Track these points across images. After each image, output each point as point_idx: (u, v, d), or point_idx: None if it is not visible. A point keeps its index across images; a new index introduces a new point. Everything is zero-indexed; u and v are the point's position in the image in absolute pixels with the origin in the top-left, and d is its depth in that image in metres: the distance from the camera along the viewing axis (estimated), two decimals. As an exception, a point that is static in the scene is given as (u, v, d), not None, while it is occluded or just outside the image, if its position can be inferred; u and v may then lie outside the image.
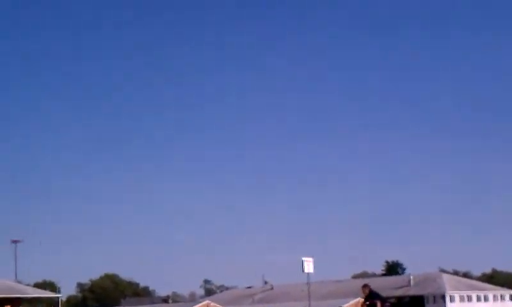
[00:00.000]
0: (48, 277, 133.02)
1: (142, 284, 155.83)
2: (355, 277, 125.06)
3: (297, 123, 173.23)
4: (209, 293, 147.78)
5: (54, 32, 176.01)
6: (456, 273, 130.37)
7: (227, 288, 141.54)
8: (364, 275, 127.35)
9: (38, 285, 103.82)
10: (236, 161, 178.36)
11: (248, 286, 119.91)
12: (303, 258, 58.71)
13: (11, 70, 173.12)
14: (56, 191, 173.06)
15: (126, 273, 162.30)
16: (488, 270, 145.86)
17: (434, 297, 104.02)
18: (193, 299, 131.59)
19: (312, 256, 59.96)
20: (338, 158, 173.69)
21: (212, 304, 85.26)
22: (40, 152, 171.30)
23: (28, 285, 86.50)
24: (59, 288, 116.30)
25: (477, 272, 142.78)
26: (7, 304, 61.55)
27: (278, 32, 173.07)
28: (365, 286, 25.77)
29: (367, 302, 25.68)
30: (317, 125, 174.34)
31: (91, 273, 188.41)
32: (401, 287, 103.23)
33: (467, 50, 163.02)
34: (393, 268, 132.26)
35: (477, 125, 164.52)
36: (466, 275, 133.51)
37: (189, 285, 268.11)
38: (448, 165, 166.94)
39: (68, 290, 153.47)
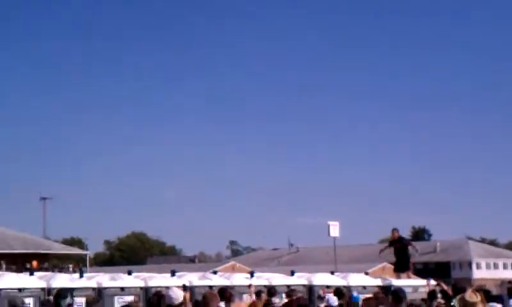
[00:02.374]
0: (76, 234, 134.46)
1: (169, 243, 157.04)
2: (382, 242, 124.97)
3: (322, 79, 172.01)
4: (235, 254, 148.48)
5: None
6: (482, 240, 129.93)
7: (253, 250, 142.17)
8: (388, 244, 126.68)
9: (65, 242, 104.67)
10: (263, 127, 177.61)
11: (274, 248, 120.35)
12: (329, 222, 58.55)
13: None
14: (82, 149, 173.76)
15: (153, 232, 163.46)
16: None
17: (460, 263, 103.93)
18: (220, 259, 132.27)
19: (339, 220, 59.81)
20: (365, 123, 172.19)
21: (238, 264, 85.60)
22: (67, 113, 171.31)
23: (56, 241, 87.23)
24: (86, 245, 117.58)
25: (504, 240, 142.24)
26: (35, 259, 62.10)
27: None
28: (395, 229, 25.85)
29: (397, 244, 25.69)
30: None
31: (118, 231, 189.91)
32: (427, 253, 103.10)
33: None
34: (419, 234, 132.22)
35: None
36: (492, 242, 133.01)
37: (216, 246, 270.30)
38: (472, 131, 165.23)
39: (95, 247, 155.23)
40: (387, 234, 27.27)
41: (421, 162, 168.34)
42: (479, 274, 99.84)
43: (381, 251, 28.57)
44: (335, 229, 57.99)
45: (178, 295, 10.67)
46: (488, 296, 15.69)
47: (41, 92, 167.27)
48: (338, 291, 17.08)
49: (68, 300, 11.90)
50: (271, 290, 18.12)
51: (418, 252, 41.36)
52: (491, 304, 14.70)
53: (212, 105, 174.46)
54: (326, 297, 17.38)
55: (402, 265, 25.61)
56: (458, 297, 10.95)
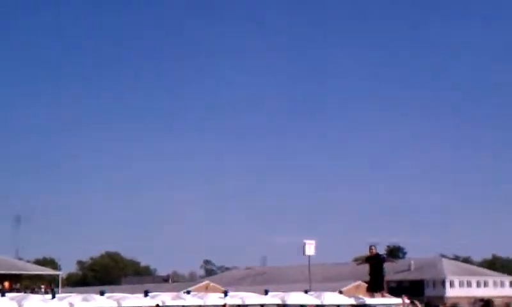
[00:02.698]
0: (49, 255, 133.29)
1: (143, 263, 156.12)
2: (356, 260, 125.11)
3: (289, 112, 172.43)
4: (209, 273, 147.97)
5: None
6: (456, 258, 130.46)
7: (227, 269, 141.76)
8: (364, 259, 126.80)
9: (38, 262, 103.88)
10: (239, 145, 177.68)
11: (248, 267, 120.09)
12: (305, 240, 58.63)
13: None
14: (56, 169, 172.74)
15: (127, 251, 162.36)
16: (488, 256, 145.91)
17: (434, 282, 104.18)
18: (193, 278, 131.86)
19: (314, 239, 59.89)
20: (341, 143, 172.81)
21: (212, 284, 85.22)
22: (40, 131, 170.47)
23: (28, 262, 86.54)
24: (59, 265, 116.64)
25: (478, 258, 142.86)
26: (7, 280, 61.57)
27: None
28: (372, 245, 25.80)
29: (373, 260, 25.63)
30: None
31: (91, 251, 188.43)
32: (402, 271, 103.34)
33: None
34: (394, 253, 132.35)
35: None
36: (466, 260, 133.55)
37: (190, 265, 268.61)
38: (449, 151, 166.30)
39: (68, 268, 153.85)
40: (361, 252, 27.16)
41: (396, 180, 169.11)
42: (453, 292, 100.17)
43: (358, 264, 28.51)
44: (310, 248, 58.13)
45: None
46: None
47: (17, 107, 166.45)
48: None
49: None
50: None
51: (397, 263, 41.31)
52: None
53: (177, 124, 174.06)
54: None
55: (375, 285, 25.55)
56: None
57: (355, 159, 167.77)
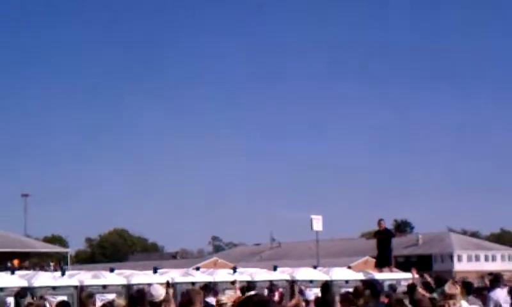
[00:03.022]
0: (57, 232, 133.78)
1: (151, 240, 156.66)
2: (364, 235, 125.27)
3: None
4: (217, 249, 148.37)
5: None
6: (464, 232, 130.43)
7: (235, 245, 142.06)
8: (373, 234, 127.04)
9: (46, 240, 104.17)
10: (242, 122, 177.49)
11: (256, 243, 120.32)
12: (312, 216, 58.48)
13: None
14: (65, 147, 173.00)
15: (135, 228, 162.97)
16: (496, 230, 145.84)
17: (442, 256, 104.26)
18: (201, 255, 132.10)
19: (321, 214, 59.79)
20: (348, 114, 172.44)
21: (220, 260, 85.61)
22: (51, 109, 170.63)
23: (37, 239, 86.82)
24: (67, 242, 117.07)
25: (486, 232, 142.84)
26: (16, 258, 61.79)
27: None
28: (381, 220, 25.88)
29: (381, 235, 25.73)
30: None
31: (100, 228, 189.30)
32: (409, 246, 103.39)
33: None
34: (401, 227, 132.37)
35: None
36: (474, 234, 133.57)
37: (198, 242, 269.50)
38: (455, 124, 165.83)
39: (76, 245, 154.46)
40: (369, 228, 27.27)
41: (403, 154, 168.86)
42: (461, 266, 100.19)
43: (367, 238, 28.71)
44: (317, 223, 57.91)
45: (160, 292, 10.62)
46: (468, 288, 15.74)
47: (23, 88, 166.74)
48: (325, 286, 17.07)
49: (28, 299, 11.95)
50: (250, 286, 18.09)
51: (406, 236, 41.08)
52: (470, 296, 14.75)
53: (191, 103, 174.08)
54: (305, 291, 17.54)
55: (383, 260, 25.64)
56: (439, 290, 10.96)
57: (358, 135, 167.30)
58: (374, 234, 26.47)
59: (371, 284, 13.06)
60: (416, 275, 21.21)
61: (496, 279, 16.46)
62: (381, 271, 24.95)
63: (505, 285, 16.18)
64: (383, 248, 25.73)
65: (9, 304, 17.20)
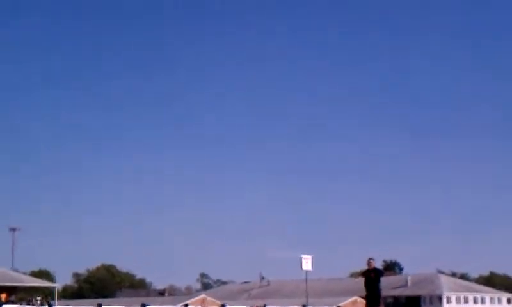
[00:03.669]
0: (45, 266, 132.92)
1: (139, 276, 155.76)
2: (352, 275, 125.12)
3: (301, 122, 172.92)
4: (206, 287, 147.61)
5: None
6: (453, 274, 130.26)
7: (224, 283, 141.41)
8: (361, 273, 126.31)
9: (34, 274, 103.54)
10: (234, 158, 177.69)
11: (245, 281, 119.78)
12: (301, 255, 58.40)
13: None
14: (53, 180, 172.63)
15: (123, 264, 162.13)
16: (486, 273, 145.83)
17: (431, 298, 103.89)
18: (190, 292, 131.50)
19: (310, 254, 59.67)
20: (337, 157, 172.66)
21: (209, 298, 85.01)
22: (38, 142, 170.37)
23: (24, 274, 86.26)
24: (55, 277, 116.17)
25: (475, 274, 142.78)
26: (3, 292, 61.27)
27: None
28: (371, 259, 25.62)
29: (370, 273, 25.46)
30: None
31: (87, 263, 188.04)
32: (398, 287, 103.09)
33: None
34: (390, 268, 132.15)
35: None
36: (463, 277, 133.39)
37: (186, 279, 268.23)
38: (446, 165, 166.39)
39: (64, 280, 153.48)
40: (358, 268, 26.95)
41: (392, 195, 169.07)
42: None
43: (356, 277, 28.44)
44: (307, 263, 57.88)
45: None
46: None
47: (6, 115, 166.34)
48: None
49: None
50: None
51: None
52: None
53: (176, 136, 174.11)
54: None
55: (372, 300, 25.42)
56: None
57: (350, 174, 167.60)
58: (363, 273, 26.22)
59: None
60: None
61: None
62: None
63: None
64: (371, 287, 25.53)
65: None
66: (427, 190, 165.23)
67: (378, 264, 27.31)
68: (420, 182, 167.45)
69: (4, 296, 59.30)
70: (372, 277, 25.45)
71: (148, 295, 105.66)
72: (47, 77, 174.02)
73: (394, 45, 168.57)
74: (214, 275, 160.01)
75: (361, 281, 26.49)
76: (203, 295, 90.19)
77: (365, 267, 26.15)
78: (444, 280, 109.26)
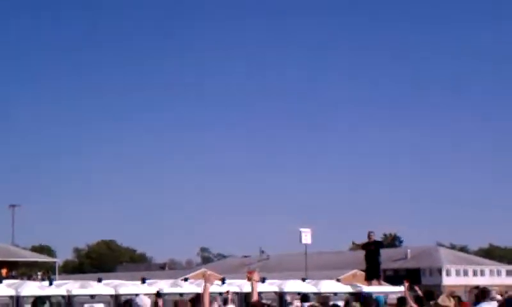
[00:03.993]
0: (45, 242, 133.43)
1: (139, 250, 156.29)
2: (353, 249, 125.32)
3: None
4: (206, 261, 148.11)
5: None
6: (452, 247, 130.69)
7: (224, 257, 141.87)
8: (361, 245, 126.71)
9: (34, 249, 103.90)
10: (238, 133, 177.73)
11: (245, 255, 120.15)
12: (301, 229, 58.56)
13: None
14: (54, 155, 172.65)
15: (123, 239, 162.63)
16: (485, 245, 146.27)
17: (431, 270, 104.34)
18: (190, 266, 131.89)
19: (310, 227, 59.82)
20: (343, 128, 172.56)
21: (209, 271, 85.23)
22: (36, 120, 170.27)
23: (25, 249, 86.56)
24: (55, 252, 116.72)
25: (474, 247, 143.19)
26: (3, 267, 61.52)
27: None
28: (371, 232, 25.81)
29: (370, 246, 25.65)
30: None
31: (88, 238, 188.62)
32: (398, 260, 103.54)
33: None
34: (390, 242, 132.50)
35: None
36: (463, 249, 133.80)
37: (186, 253, 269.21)
38: (446, 138, 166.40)
39: (64, 255, 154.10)
40: (358, 241, 27.04)
41: (393, 169, 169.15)
42: (449, 280, 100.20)
43: (354, 248, 28.73)
44: (306, 236, 58.08)
45: (145, 302, 10.59)
46: (460, 302, 15.71)
47: (14, 96, 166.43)
48: (305, 297, 17.04)
49: (47, 306, 11.94)
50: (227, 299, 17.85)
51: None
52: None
53: (180, 111, 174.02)
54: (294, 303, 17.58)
55: (372, 272, 25.59)
56: (432, 302, 10.89)
57: (351, 148, 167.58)
58: (363, 245, 26.37)
59: (364, 298, 13.09)
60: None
61: (483, 294, 16.41)
62: (370, 284, 24.92)
63: (493, 299, 16.11)
64: (371, 260, 25.70)
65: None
66: (427, 162, 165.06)
67: (378, 238, 27.49)
68: (419, 154, 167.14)
69: (4, 271, 59.53)
70: (372, 249, 25.66)
71: (148, 269, 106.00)
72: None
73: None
74: (214, 249, 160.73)
75: (361, 255, 26.71)
76: (203, 269, 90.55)
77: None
78: (444, 253, 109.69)
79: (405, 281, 17.09)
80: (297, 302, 17.62)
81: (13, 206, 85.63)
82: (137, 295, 12.21)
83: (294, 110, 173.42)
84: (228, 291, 19.14)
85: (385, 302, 20.36)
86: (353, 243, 28.13)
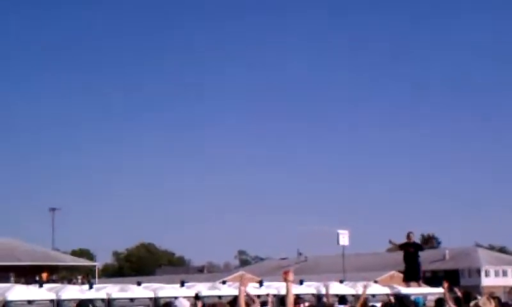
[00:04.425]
0: (85, 246, 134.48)
1: (178, 253, 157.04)
2: (390, 250, 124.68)
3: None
4: (244, 263, 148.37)
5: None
6: (491, 248, 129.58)
7: (262, 259, 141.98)
8: (398, 246, 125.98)
9: (74, 253, 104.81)
10: (270, 135, 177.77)
11: (283, 257, 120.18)
12: (338, 230, 58.53)
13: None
14: (91, 159, 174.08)
15: (162, 242, 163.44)
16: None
17: (470, 271, 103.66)
18: (228, 269, 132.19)
19: (347, 228, 59.78)
20: (377, 128, 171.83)
21: (247, 274, 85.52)
22: (75, 123, 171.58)
23: (65, 253, 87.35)
24: (95, 256, 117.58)
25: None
26: (44, 271, 62.19)
27: None
28: (411, 232, 25.58)
29: (409, 247, 25.40)
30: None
31: (127, 242, 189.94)
32: (436, 261, 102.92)
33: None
34: (428, 242, 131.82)
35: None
36: (501, 250, 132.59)
37: (224, 256, 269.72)
38: (482, 138, 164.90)
39: (104, 259, 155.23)
40: (396, 242, 26.70)
41: (431, 169, 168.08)
42: (488, 281, 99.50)
43: (393, 246, 28.28)
44: (344, 238, 58.05)
45: (185, 305, 10.80)
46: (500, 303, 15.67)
47: (47, 97, 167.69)
48: (343, 299, 17.07)
49: None
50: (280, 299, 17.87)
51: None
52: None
53: (216, 115, 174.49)
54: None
55: (412, 274, 25.37)
56: (472, 303, 10.92)
57: (390, 148, 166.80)
58: (400, 246, 26.11)
59: (401, 299, 13.15)
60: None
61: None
62: (408, 285, 24.80)
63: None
64: (410, 261, 25.50)
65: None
66: (466, 162, 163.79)
67: (416, 239, 27.31)
68: (460, 153, 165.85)
69: (45, 275, 60.15)
70: (411, 251, 25.40)
71: (186, 272, 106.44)
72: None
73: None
74: (251, 252, 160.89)
75: (399, 256, 26.47)
76: (241, 272, 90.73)
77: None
78: (482, 253, 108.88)
79: (445, 282, 16.99)
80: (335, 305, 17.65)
81: (53, 209, 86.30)
82: (176, 298, 12.40)
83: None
84: (268, 294, 19.20)
85: (424, 304, 20.35)
86: (390, 241, 27.44)
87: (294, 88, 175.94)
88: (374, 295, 22.19)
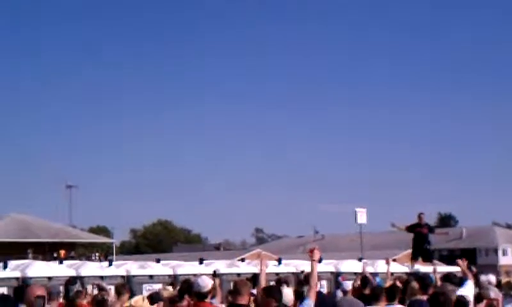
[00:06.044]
0: (102, 223, 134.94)
1: (194, 231, 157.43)
2: (394, 226, 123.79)
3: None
4: (260, 241, 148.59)
5: None
6: (508, 226, 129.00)
7: (278, 237, 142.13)
8: (409, 227, 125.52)
9: (91, 230, 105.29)
10: (286, 114, 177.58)
11: (299, 235, 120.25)
12: (356, 209, 58.47)
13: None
14: (110, 137, 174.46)
15: (178, 219, 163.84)
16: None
17: (487, 250, 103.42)
18: (244, 247, 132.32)
19: (365, 207, 59.71)
20: (389, 108, 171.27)
21: (264, 252, 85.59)
22: (90, 100, 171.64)
23: (82, 230, 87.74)
24: (112, 233, 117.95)
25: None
26: (62, 248, 62.50)
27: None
28: (422, 213, 25.15)
29: (422, 230, 24.93)
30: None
31: (144, 219, 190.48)
32: (453, 240, 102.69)
33: None
34: (445, 221, 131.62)
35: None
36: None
37: (241, 233, 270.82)
38: (496, 116, 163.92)
39: (121, 236, 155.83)
40: (413, 220, 26.05)
41: (447, 147, 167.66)
42: (505, 260, 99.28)
43: (397, 229, 27.29)
44: (362, 216, 57.95)
45: (207, 283, 10.85)
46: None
47: (64, 76, 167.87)
48: (364, 278, 17.00)
49: (77, 287, 12.40)
50: (281, 280, 17.39)
51: (448, 235, 39.84)
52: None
53: (234, 96, 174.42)
54: (342, 282, 17.67)
55: (425, 256, 24.91)
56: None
57: (404, 126, 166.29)
58: (409, 227, 25.40)
59: (420, 277, 13.13)
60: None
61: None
62: (414, 264, 24.54)
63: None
64: (423, 243, 24.97)
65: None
66: (482, 141, 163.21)
67: (433, 217, 27.14)
68: (473, 132, 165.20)
69: (63, 253, 60.48)
70: (424, 233, 24.95)
71: (203, 249, 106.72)
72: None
73: None
74: (268, 230, 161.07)
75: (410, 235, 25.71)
76: (258, 249, 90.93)
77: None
78: (499, 232, 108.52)
79: (463, 260, 16.77)
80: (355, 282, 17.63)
81: (69, 186, 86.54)
82: (195, 275, 12.43)
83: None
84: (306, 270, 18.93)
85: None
86: (393, 225, 26.08)
87: (324, 71, 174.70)
88: (392, 274, 22.19)
